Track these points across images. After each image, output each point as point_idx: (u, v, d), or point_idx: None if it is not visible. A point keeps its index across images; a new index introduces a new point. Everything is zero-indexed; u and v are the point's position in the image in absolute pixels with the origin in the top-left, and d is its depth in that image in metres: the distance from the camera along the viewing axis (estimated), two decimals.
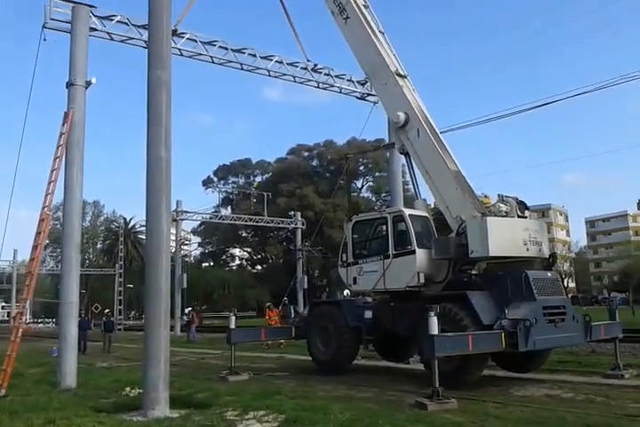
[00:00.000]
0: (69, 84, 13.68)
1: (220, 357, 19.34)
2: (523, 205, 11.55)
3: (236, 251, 75.33)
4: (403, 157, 19.88)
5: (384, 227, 12.46)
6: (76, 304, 13.17)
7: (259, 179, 72.30)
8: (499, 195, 11.49)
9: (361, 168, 66.99)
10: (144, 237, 55.83)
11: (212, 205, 60.31)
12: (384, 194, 67.86)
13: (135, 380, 12.10)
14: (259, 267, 74.92)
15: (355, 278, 12.85)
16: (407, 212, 12.18)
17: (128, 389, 10.92)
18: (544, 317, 10.32)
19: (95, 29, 14.46)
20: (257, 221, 40.78)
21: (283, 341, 20.73)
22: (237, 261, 76.89)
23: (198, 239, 71.52)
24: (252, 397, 9.72)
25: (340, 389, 11.09)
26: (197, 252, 72.17)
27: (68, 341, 12.85)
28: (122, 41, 15.43)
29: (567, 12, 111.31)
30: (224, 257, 76.07)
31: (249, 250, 73.96)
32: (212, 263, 74.10)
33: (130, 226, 68.30)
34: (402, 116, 12.84)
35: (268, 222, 41.05)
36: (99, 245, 73.57)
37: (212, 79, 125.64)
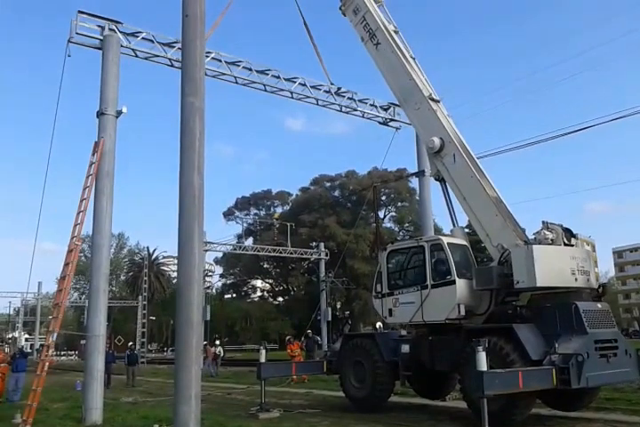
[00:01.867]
0: (100, 114, 13.64)
1: (246, 391, 18.78)
2: (569, 233, 11.02)
3: (258, 282, 74.77)
4: (432, 184, 19.85)
5: (421, 256, 11.97)
6: (102, 337, 12.83)
7: (279, 210, 72.23)
8: (543, 222, 11.00)
9: (383, 198, 66.55)
10: (167, 269, 55.77)
11: (232, 236, 59.85)
12: (407, 224, 67.33)
13: (163, 416, 11.65)
14: (280, 298, 74.08)
15: (390, 310, 12.31)
16: (445, 240, 11.70)
17: (156, 426, 10.42)
18: (596, 351, 9.68)
19: (121, 46, 14.46)
20: (280, 252, 40.36)
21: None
22: (259, 293, 76.20)
23: (220, 270, 71.25)
24: None
25: None
26: (219, 283, 71.78)
27: (93, 375, 12.46)
28: (146, 58, 15.46)
29: (584, 40, 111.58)
30: (245, 289, 75.48)
31: (270, 281, 73.35)
32: (233, 295, 73.54)
33: (153, 257, 68.28)
34: (437, 141, 12.53)
35: (291, 253, 40.61)
36: (122, 277, 73.64)
37: (233, 110, 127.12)
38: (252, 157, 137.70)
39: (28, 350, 54.94)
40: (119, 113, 13.79)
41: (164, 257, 70.06)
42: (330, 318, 39.93)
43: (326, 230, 60.07)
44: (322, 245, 42.73)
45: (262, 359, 13.32)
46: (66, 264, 12.87)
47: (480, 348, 8.36)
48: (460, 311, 10.97)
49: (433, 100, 13.29)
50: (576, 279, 10.52)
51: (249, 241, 61.76)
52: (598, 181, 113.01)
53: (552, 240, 10.74)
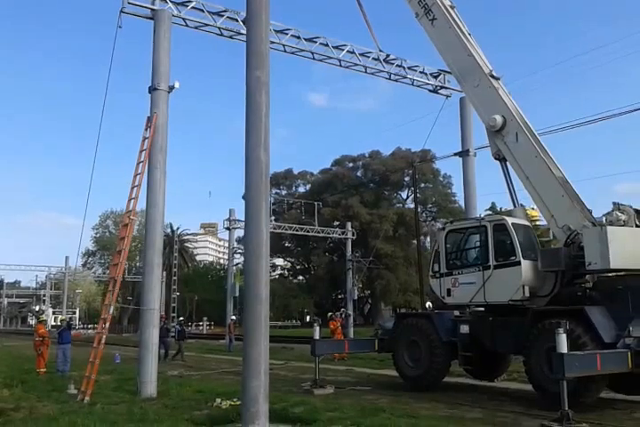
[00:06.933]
0: (152, 89, 13.45)
1: (285, 367, 18.88)
2: None
3: (279, 261, 75.04)
4: (475, 165, 19.52)
5: (483, 236, 11.76)
6: (157, 311, 12.83)
7: (302, 189, 72.08)
8: (614, 203, 10.75)
9: (406, 179, 66.03)
10: (190, 246, 55.96)
11: None
12: (430, 205, 66.89)
13: (220, 391, 11.73)
14: (300, 277, 74.45)
15: (449, 290, 12.16)
16: (510, 220, 11.47)
17: (219, 400, 10.46)
18: None
19: (172, 15, 14.19)
20: (307, 231, 40.34)
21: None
22: (279, 271, 76.58)
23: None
24: (356, 414, 9.19)
25: (439, 407, 10.45)
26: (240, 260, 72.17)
27: (149, 349, 12.48)
28: (196, 27, 15.22)
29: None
30: None
31: (291, 260, 73.59)
32: None
33: (177, 234, 68.63)
34: (499, 119, 12.24)
35: (318, 232, 40.60)
36: None
37: None
38: (272, 134, 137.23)
39: (57, 323, 56.02)
40: (171, 88, 13.61)
41: (187, 234, 70.42)
42: (356, 298, 40.06)
43: (349, 210, 59.88)
44: (348, 224, 42.61)
45: (316, 336, 13.27)
46: (121, 238, 12.89)
47: (561, 330, 8.21)
48: (524, 293, 10.81)
49: (493, 77, 12.94)
50: None
51: (271, 220, 61.79)
52: (627, 164, 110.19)
53: (624, 222, 10.47)
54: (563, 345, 8.18)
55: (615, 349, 9.28)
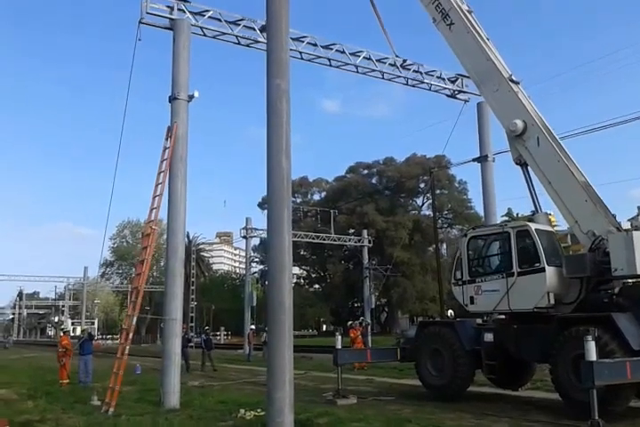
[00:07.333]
0: (172, 99, 13.56)
1: (306, 377, 18.74)
2: None
3: (295, 269, 75.02)
4: (494, 170, 19.38)
5: (506, 242, 11.63)
6: (179, 321, 12.86)
7: (317, 197, 72.08)
8: (639, 207, 10.59)
9: (421, 186, 65.82)
10: (206, 255, 56.06)
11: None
12: (445, 211, 66.51)
13: (242, 401, 11.69)
14: (316, 285, 74.31)
15: (472, 298, 12.02)
16: (533, 226, 11.35)
17: (242, 411, 10.41)
18: None
19: (190, 24, 14.28)
20: (323, 239, 40.30)
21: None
22: (295, 280, 76.50)
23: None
24: (382, 424, 9.08)
25: (465, 417, 10.29)
26: (257, 270, 72.31)
27: (171, 359, 12.49)
28: (214, 37, 15.33)
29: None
30: None
31: (307, 268, 73.48)
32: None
33: (195, 243, 69.02)
34: (519, 124, 12.16)
35: (334, 240, 40.55)
36: (162, 263, 74.73)
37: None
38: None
39: (77, 334, 56.37)
40: (191, 97, 13.70)
41: (202, 243, 70.72)
42: (373, 306, 39.87)
43: (365, 218, 59.77)
44: (364, 232, 42.51)
45: (338, 345, 13.19)
46: (144, 248, 12.96)
47: (589, 337, 8.08)
48: (549, 300, 10.67)
49: (512, 81, 12.88)
50: None
51: None
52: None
53: None
54: (592, 353, 8.04)
55: None
